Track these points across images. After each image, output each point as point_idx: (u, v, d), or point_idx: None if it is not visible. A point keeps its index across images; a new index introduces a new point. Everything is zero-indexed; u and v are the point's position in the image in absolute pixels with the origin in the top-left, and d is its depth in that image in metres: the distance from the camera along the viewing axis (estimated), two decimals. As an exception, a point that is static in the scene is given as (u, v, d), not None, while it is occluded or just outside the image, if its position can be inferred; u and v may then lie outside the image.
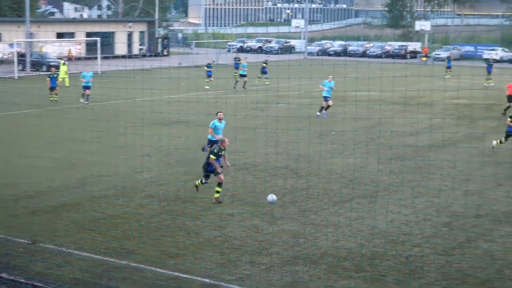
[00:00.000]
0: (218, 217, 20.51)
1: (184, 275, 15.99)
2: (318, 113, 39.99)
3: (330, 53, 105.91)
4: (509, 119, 29.61)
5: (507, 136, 30.11)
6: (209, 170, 22.48)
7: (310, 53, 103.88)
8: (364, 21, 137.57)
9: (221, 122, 26.70)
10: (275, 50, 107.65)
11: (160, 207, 21.39)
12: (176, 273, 16.08)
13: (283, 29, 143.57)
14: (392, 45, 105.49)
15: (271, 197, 21.26)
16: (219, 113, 26.83)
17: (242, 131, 29.03)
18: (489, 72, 59.21)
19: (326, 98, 40.32)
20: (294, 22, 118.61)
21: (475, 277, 16.20)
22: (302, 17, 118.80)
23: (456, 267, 16.84)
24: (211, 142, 26.10)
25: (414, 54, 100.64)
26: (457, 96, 47.45)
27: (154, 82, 42.52)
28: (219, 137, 25.27)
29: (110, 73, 60.85)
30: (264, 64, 60.97)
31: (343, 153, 29.50)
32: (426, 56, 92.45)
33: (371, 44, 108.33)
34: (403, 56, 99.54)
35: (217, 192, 22.21)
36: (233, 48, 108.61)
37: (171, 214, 20.67)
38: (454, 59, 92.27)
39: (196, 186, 23.22)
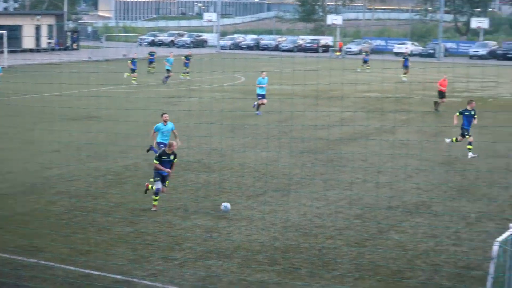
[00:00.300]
0: (130, 213, 20.24)
1: (96, 272, 15.72)
2: (258, 111, 38.89)
3: (243, 47, 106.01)
4: (457, 114, 28.79)
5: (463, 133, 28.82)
6: (161, 174, 20.61)
7: (222, 47, 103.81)
8: (276, 15, 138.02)
9: (166, 125, 24.29)
10: (187, 44, 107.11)
11: (71, 204, 20.98)
12: (88, 271, 15.79)
13: (195, 22, 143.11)
14: (304, 39, 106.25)
15: (225, 207, 20.19)
16: (164, 115, 24.39)
17: (154, 126, 28.73)
18: (405, 67, 59.68)
19: (260, 96, 38.59)
20: (206, 15, 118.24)
21: (387, 267, 16.40)
22: (215, 11, 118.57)
23: (368, 258, 17.01)
24: (161, 144, 23.95)
25: (326, 48, 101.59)
26: (368, 89, 48.09)
27: (63, 76, 41.74)
28: (155, 144, 23.90)
29: (17, 68, 59.57)
30: (185, 59, 60.14)
31: (256, 147, 29.52)
32: (340, 50, 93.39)
33: (284, 38, 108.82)
34: (315, 50, 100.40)
35: (154, 200, 20.66)
36: (144, 42, 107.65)
37: (82, 210, 20.29)
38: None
39: (147, 189, 21.33)
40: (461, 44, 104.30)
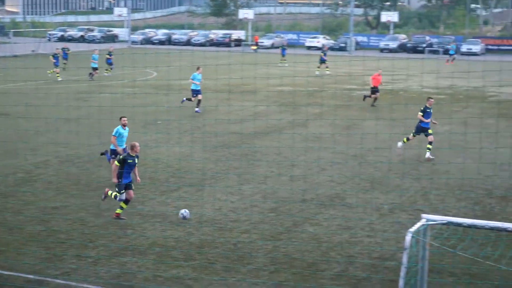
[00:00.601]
0: (41, 211, 19.82)
1: (7, 272, 15.37)
2: (197, 108, 38.11)
3: (154, 41, 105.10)
4: (421, 114, 27.69)
5: (417, 132, 28.00)
6: (121, 183, 19.17)
7: (133, 42, 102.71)
8: (187, 10, 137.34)
9: (125, 129, 23.11)
10: (97, 39, 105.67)
11: (-21, 203, 20.43)
12: (-2, 271, 15.42)
13: (106, 17, 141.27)
14: (216, 34, 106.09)
15: (182, 214, 19.13)
16: (122, 118, 23.05)
17: (65, 122, 28.26)
18: (323, 61, 59.89)
19: (195, 92, 37.73)
20: (117, 10, 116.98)
21: (302, 260, 16.48)
22: (125, 5, 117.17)
23: (283, 252, 17.06)
24: (115, 152, 22.84)
25: (238, 42, 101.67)
26: (280, 83, 48.30)
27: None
28: (120, 149, 22.51)
29: None
30: (108, 56, 58.87)
31: (169, 142, 29.31)
32: (256, 44, 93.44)
33: (195, 33, 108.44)
34: (227, 45, 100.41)
35: (121, 208, 19.37)
36: (53, 37, 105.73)
37: (-9, 209, 19.79)
38: (277, 47, 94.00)
39: (106, 195, 19.89)
40: (371, 38, 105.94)
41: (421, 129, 27.70)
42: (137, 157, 19.44)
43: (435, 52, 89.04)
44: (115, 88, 47.41)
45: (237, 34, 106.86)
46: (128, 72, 54.94)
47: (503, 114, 38.58)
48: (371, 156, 27.41)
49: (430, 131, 27.54)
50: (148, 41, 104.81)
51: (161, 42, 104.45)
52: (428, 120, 27.77)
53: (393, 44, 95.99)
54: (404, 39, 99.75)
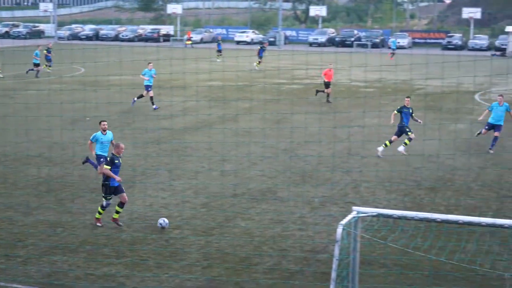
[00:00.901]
0: (-32, 211, 19.40)
1: None
2: (134, 99, 37.48)
3: (82, 37, 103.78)
4: (395, 112, 27.14)
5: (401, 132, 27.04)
6: (110, 186, 18.09)
7: (60, 38, 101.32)
8: (115, 4, 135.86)
9: (105, 134, 21.36)
10: (23, 35, 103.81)
11: None
12: None
13: (31, 13, 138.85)
14: (145, 29, 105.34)
15: (161, 224, 18.25)
16: (102, 123, 21.33)
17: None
18: (260, 56, 59.48)
19: (147, 88, 37.15)
20: (42, 5, 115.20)
21: (234, 255, 16.47)
22: (51, 1, 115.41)
23: (216, 247, 17.03)
24: (102, 157, 21.18)
25: (167, 37, 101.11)
26: (210, 78, 48.17)
27: None
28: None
29: None
30: (46, 52, 57.54)
31: (99, 138, 28.96)
32: (190, 39, 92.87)
33: (124, 28, 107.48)
34: (156, 40, 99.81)
35: (117, 212, 18.37)
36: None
37: None
38: (206, 42, 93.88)
39: (97, 219, 18.49)
40: (300, 32, 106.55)
41: (402, 129, 26.88)
42: (120, 157, 18.39)
43: (363, 46, 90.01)
44: (42, 85, 46.65)
45: (165, 29, 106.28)
46: (54, 68, 54.19)
47: (430, 106, 39.19)
48: (301, 150, 27.54)
49: (410, 131, 26.85)
50: (75, 36, 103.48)
51: (88, 38, 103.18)
52: (420, 121, 27.60)
53: (321, 38, 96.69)
54: (333, 33, 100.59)
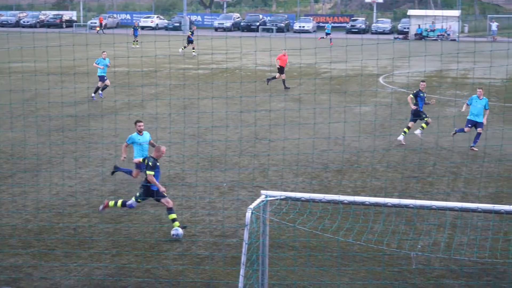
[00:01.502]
0: None
1: None
2: (93, 94, 36.38)
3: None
4: (412, 96, 26.80)
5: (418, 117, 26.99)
6: (151, 189, 16.86)
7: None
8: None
9: (142, 135, 19.72)
10: None
11: None
12: None
13: None
14: (47, 14, 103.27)
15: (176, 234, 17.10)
16: (138, 123, 19.73)
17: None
18: (190, 41, 58.45)
19: (102, 78, 36.38)
20: None
21: (144, 242, 16.37)
22: None
23: (125, 234, 16.89)
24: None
25: (70, 23, 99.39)
26: (114, 64, 47.55)
27: None
28: (137, 160, 19.44)
29: None
30: None
31: (1, 127, 28.34)
32: (101, 26, 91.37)
33: (25, 14, 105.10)
34: (59, 26, 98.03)
35: (174, 220, 16.81)
36: None
37: None
38: (110, 27, 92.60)
39: (106, 206, 17.63)
40: (206, 17, 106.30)
41: (418, 114, 26.87)
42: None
43: (268, 30, 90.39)
44: None
45: (68, 14, 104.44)
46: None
47: (336, 89, 39.70)
48: (208, 135, 27.51)
49: (427, 116, 26.93)
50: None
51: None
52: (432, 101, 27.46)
53: (227, 23, 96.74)
54: (238, 18, 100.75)
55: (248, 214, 12.26)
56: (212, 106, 29.38)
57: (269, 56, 49.06)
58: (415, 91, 27.12)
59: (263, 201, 12.55)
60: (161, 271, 14.91)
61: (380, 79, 45.75)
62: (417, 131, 27.13)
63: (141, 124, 19.71)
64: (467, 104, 26.50)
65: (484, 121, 25.80)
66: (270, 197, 12.64)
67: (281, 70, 40.08)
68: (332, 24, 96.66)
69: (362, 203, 12.72)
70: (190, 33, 59.60)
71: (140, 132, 19.59)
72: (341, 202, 12.72)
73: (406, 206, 12.48)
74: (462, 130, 26.26)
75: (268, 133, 27.57)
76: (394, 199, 13.06)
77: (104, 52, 36.86)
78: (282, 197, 12.78)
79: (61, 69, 38.77)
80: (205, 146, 25.83)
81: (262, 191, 12.78)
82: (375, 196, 19.17)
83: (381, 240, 15.85)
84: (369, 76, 46.31)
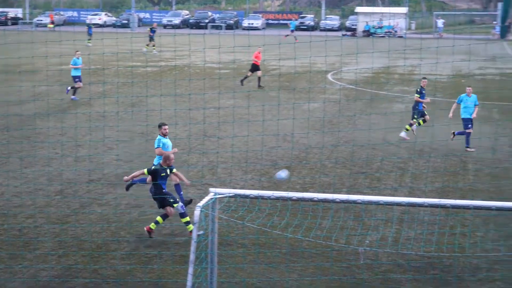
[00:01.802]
0: None
1: None
2: (73, 96, 35.46)
3: None
4: (418, 95, 26.86)
5: (417, 117, 27.11)
6: (166, 194, 16.52)
7: None
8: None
9: (166, 138, 18.92)
10: None
11: None
12: None
13: None
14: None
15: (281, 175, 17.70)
16: (163, 126, 18.74)
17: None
18: (152, 39, 57.95)
19: (76, 78, 35.46)
20: None
21: (91, 242, 16.18)
22: None
23: (71, 235, 16.68)
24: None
25: (15, 20, 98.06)
26: (61, 62, 46.97)
27: None
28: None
29: None
30: None
31: None
32: (52, 23, 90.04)
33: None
34: (4, 23, 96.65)
35: (156, 223, 16.67)
36: None
37: None
38: (58, 25, 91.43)
39: (150, 231, 16.67)
40: (154, 14, 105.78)
41: (419, 112, 26.95)
42: (171, 168, 16.76)
43: (217, 27, 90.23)
44: None
45: (13, 12, 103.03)
46: None
47: (284, 86, 39.75)
48: (157, 133, 27.22)
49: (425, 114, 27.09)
50: None
51: None
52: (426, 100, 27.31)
53: (176, 20, 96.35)
54: (187, 15, 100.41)
55: (197, 212, 12.20)
56: (160, 104, 29.16)
57: (218, 54, 48.95)
58: (418, 89, 27.12)
59: (212, 198, 12.49)
60: (108, 271, 14.74)
61: (329, 76, 45.95)
62: (402, 133, 27.05)
63: (167, 127, 18.83)
64: (457, 103, 26.13)
65: (474, 115, 25.87)
66: (219, 194, 12.58)
67: (255, 68, 39.97)
68: (279, 21, 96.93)
69: (311, 200, 12.71)
70: (150, 29, 59.59)
71: (165, 136, 18.73)
72: (290, 199, 12.71)
73: (354, 202, 12.52)
74: (463, 133, 25.90)
75: (217, 131, 27.48)
76: (343, 195, 13.12)
77: (77, 51, 36.16)
78: (231, 194, 12.73)
79: (6, 67, 38.26)
80: (153, 144, 25.58)
81: (211, 189, 12.71)
82: (324, 192, 19.22)
83: (330, 236, 15.88)
84: (318, 73, 46.47)
